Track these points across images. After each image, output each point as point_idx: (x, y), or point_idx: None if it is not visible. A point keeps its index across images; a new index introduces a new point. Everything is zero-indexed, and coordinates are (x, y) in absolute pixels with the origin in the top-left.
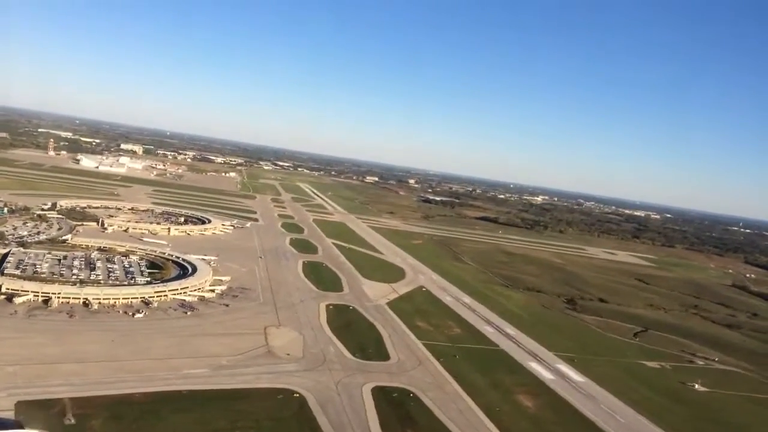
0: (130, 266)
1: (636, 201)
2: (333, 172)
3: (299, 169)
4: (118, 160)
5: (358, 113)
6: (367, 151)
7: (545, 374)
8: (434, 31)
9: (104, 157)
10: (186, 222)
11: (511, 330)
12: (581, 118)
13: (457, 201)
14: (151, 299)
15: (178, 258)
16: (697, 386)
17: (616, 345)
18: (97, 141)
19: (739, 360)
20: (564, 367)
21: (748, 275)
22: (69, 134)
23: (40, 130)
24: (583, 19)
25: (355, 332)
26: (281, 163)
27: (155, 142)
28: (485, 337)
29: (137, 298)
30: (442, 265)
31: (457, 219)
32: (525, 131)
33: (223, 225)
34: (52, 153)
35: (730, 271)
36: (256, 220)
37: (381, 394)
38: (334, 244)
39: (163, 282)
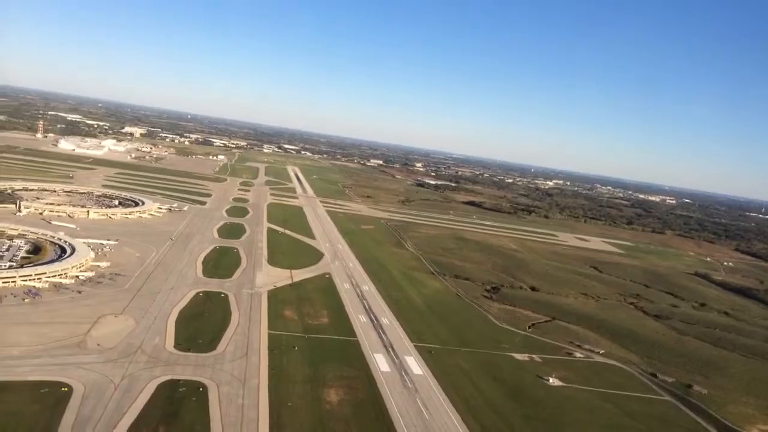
0: (8, 249)
1: (665, 186)
2: (338, 156)
3: (304, 152)
4: (100, 143)
5: (383, 96)
6: (393, 134)
7: (383, 367)
8: (462, 10)
9: (87, 140)
10: (120, 205)
11: (386, 320)
12: (614, 101)
13: (453, 185)
14: None
15: (66, 242)
16: (551, 380)
17: (500, 336)
18: (103, 124)
19: (631, 353)
20: (412, 360)
21: (725, 263)
22: (78, 117)
23: (50, 113)
24: None
25: (202, 322)
26: (289, 147)
27: (170, 125)
28: (350, 327)
29: None
30: (373, 252)
31: (439, 203)
32: (557, 115)
33: (159, 208)
34: (39, 136)
35: (708, 259)
36: (203, 203)
37: (166, 389)
38: (269, 229)
39: (19, 267)
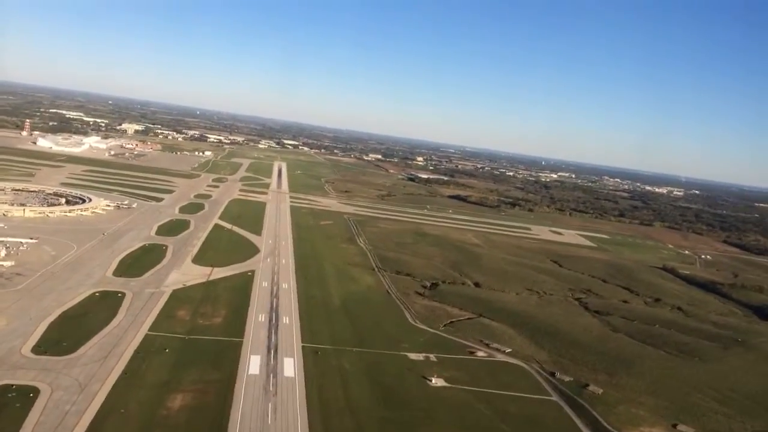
0: None
1: (681, 177)
2: (336, 151)
3: (302, 147)
4: (82, 140)
5: (395, 89)
6: (405, 128)
7: (253, 370)
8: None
9: (73, 137)
10: (66, 203)
11: (287, 319)
12: (630, 91)
13: (445, 179)
14: None
15: None
16: (434, 381)
17: (406, 335)
18: (101, 121)
19: (543, 351)
20: (290, 362)
21: (703, 256)
22: (79, 114)
23: (52, 110)
24: None
25: (79, 324)
26: (288, 142)
27: (174, 121)
28: (242, 327)
29: None
30: (318, 248)
31: (422, 198)
32: (570, 107)
33: (107, 205)
34: (25, 134)
35: (687, 251)
36: (160, 200)
37: None
38: (216, 225)
39: None
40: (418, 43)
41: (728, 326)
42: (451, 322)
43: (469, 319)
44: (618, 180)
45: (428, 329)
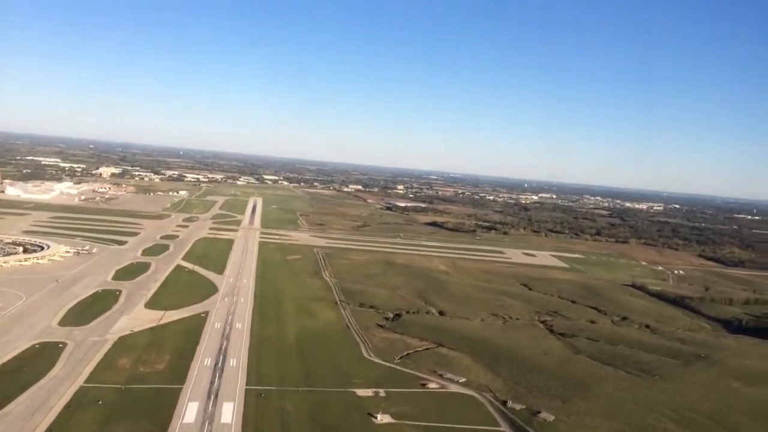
0: None
1: (663, 192)
2: (315, 184)
3: (282, 182)
4: (52, 187)
5: (379, 119)
6: (390, 157)
7: (188, 418)
8: (460, 27)
9: (45, 183)
10: (24, 251)
11: (234, 361)
12: (608, 110)
13: (423, 206)
14: None
15: None
16: (379, 417)
17: (359, 370)
18: (77, 166)
19: (498, 378)
20: (230, 406)
21: (676, 271)
22: (55, 160)
23: (28, 157)
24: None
25: (12, 379)
26: (269, 177)
27: (154, 162)
28: (185, 373)
29: None
30: (280, 284)
31: (397, 226)
32: (553, 129)
33: (66, 251)
34: None
35: (660, 267)
36: (124, 243)
37: None
38: (177, 266)
39: None
40: (401, 71)
41: (694, 341)
42: (408, 353)
43: (427, 349)
44: (599, 198)
45: (383, 363)
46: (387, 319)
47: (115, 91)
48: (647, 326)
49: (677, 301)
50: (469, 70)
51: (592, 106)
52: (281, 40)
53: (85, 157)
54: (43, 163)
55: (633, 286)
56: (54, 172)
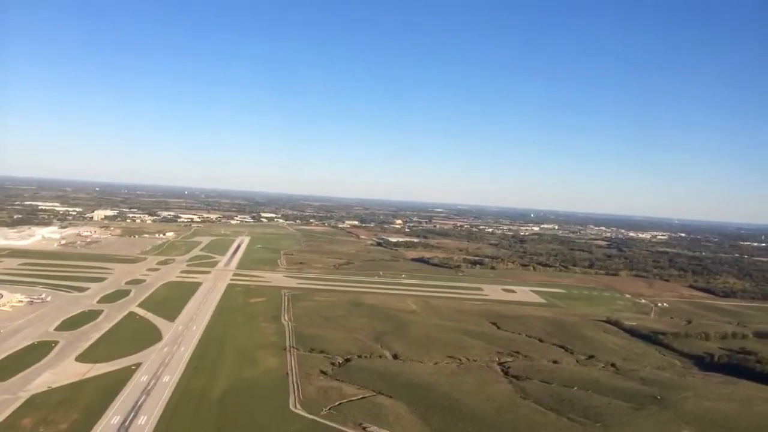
0: None
1: (674, 219)
2: (311, 220)
3: (277, 220)
4: (34, 232)
5: (385, 153)
6: (397, 190)
7: None
8: (471, 55)
9: (30, 228)
10: None
11: (144, 419)
12: (620, 138)
13: (415, 241)
14: None
15: None
16: None
17: (280, 426)
18: (73, 210)
19: (427, 428)
20: None
21: (659, 304)
22: (52, 204)
23: (27, 202)
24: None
25: None
26: (266, 215)
27: (155, 203)
28: None
29: None
30: (231, 330)
31: (382, 263)
32: (565, 159)
33: (19, 300)
34: None
35: (643, 300)
36: (86, 289)
37: None
38: (130, 312)
39: None
40: (406, 101)
41: (657, 381)
42: (340, 404)
43: (362, 398)
44: (603, 228)
45: (306, 415)
46: (333, 365)
47: (124, 133)
48: (613, 365)
49: (650, 337)
50: (480, 100)
51: (605, 131)
52: (293, 82)
53: (86, 200)
54: (40, 207)
55: (608, 321)
56: (46, 217)
